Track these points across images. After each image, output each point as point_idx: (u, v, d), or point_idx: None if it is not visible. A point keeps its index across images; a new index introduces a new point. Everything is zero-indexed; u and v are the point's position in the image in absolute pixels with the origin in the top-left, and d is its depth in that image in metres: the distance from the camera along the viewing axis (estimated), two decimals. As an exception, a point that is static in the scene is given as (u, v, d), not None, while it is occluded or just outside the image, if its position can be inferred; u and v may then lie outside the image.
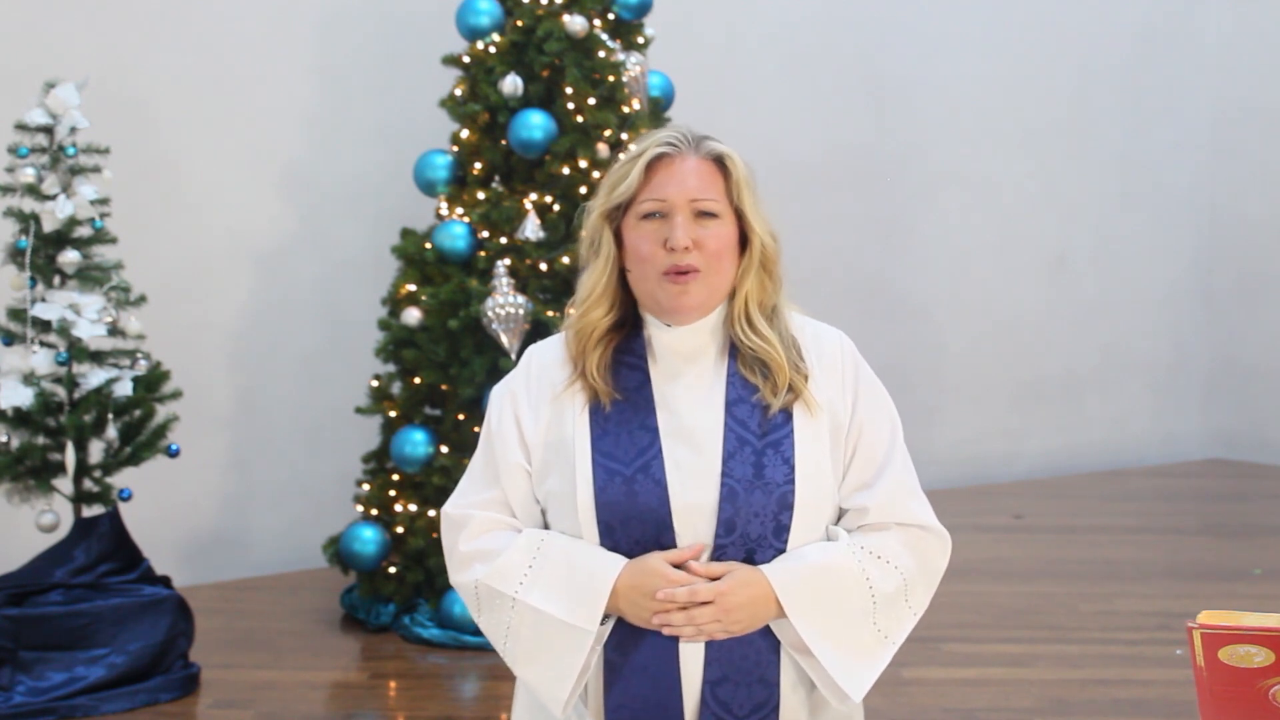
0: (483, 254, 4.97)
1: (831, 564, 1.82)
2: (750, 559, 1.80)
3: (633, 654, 1.81)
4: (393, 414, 5.14)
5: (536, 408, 1.90)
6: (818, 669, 1.82)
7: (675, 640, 1.80)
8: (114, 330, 4.39)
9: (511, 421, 1.91)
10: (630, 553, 1.80)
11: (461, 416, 4.99)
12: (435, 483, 4.91)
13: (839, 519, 1.90)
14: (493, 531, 1.89)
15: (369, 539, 4.99)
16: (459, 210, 5.08)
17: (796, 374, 1.87)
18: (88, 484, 4.38)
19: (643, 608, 1.77)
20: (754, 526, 1.80)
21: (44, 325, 4.31)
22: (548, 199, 5.00)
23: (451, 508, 1.95)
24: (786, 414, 1.85)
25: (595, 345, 1.89)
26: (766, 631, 1.81)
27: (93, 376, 4.30)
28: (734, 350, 1.90)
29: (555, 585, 1.81)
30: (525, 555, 1.85)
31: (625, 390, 1.87)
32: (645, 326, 1.92)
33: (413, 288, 5.07)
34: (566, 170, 4.98)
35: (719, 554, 1.80)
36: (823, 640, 1.80)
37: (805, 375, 1.88)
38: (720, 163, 1.88)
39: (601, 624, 1.81)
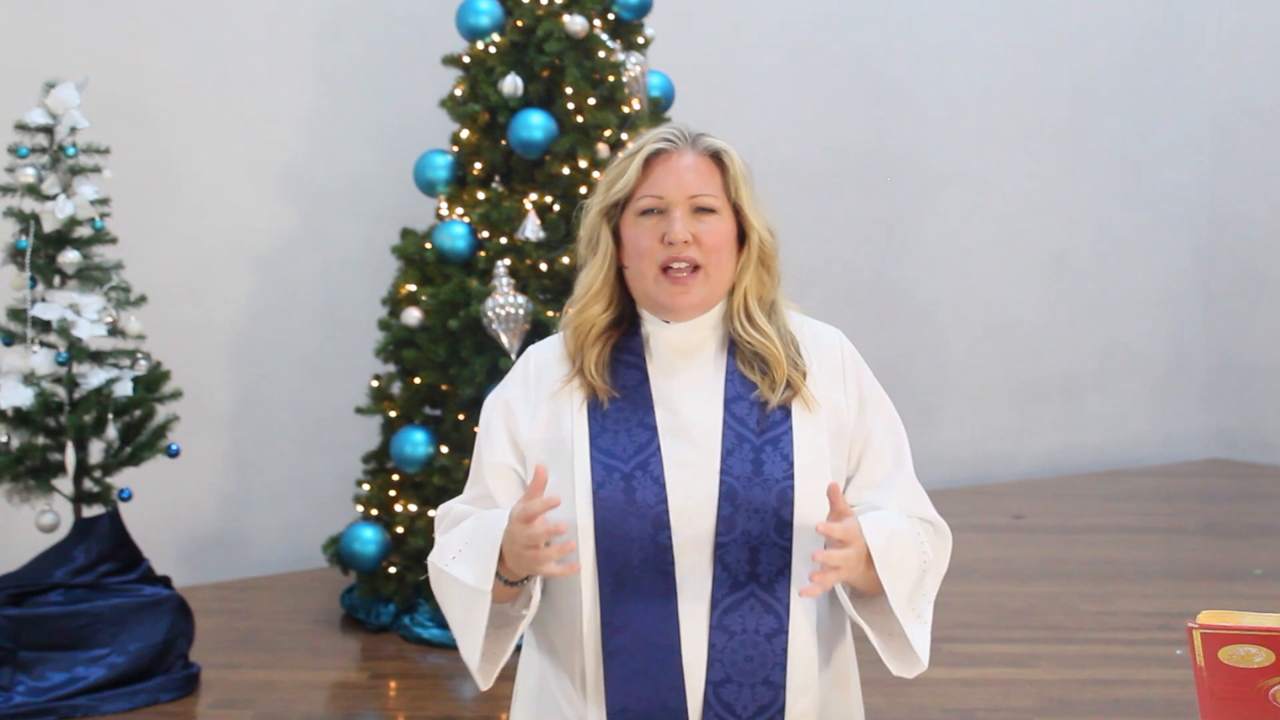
0: (483, 254, 4.97)
1: (902, 532, 1.83)
2: (754, 557, 1.80)
3: (635, 657, 1.80)
4: (393, 414, 5.14)
5: (534, 407, 1.90)
6: (889, 635, 1.82)
7: (678, 642, 1.79)
8: (114, 330, 4.39)
9: (501, 424, 1.92)
10: (625, 551, 1.80)
11: (461, 416, 4.99)
12: (435, 483, 4.91)
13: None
14: (462, 522, 1.91)
15: (369, 539, 4.99)
16: (459, 210, 5.08)
17: (795, 371, 1.87)
18: (88, 484, 4.38)
19: (523, 559, 1.74)
20: (755, 524, 1.79)
21: (44, 325, 4.31)
22: (548, 199, 5.00)
23: (442, 506, 1.98)
24: (785, 411, 1.86)
25: (593, 342, 1.89)
26: (773, 633, 1.81)
27: (93, 376, 4.30)
28: (732, 347, 1.90)
29: (473, 555, 1.82)
30: (465, 532, 1.86)
31: (623, 388, 1.87)
32: (643, 324, 1.92)
33: (413, 288, 5.07)
34: (566, 170, 4.98)
35: (721, 551, 1.79)
36: (901, 605, 1.80)
37: (804, 372, 1.88)
38: (717, 158, 1.89)
39: (515, 584, 1.81)
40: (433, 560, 1.89)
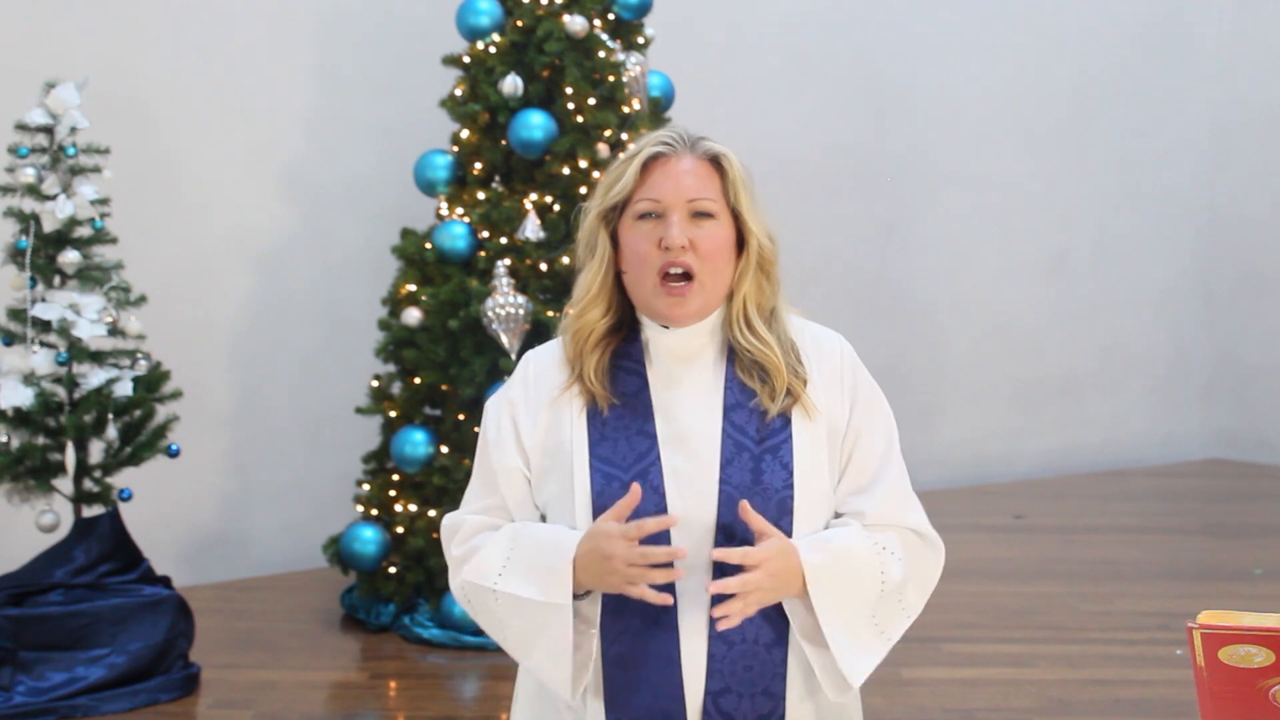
0: (483, 254, 4.97)
1: (853, 549, 1.81)
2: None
3: (634, 666, 1.79)
4: (393, 414, 5.14)
5: (535, 413, 1.89)
6: (822, 656, 1.81)
7: (677, 651, 1.78)
8: (114, 330, 4.39)
9: (509, 428, 1.90)
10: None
11: (461, 416, 4.99)
12: (435, 483, 4.91)
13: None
14: (481, 533, 1.89)
15: (369, 539, 4.99)
16: (459, 210, 5.08)
17: (795, 378, 1.86)
18: (88, 484, 4.38)
19: (603, 571, 1.74)
20: (754, 533, 1.78)
21: (44, 325, 4.31)
22: (548, 199, 5.00)
23: (448, 516, 1.95)
24: (785, 419, 1.84)
25: (593, 348, 1.88)
26: (772, 643, 1.80)
27: (93, 376, 4.30)
28: (732, 354, 1.88)
29: (529, 570, 1.80)
30: (503, 547, 1.84)
31: (623, 395, 1.86)
32: (642, 329, 1.91)
33: (413, 288, 5.07)
34: (566, 170, 4.98)
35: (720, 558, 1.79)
36: (836, 627, 1.79)
37: (804, 379, 1.86)
38: (716, 163, 1.87)
39: (580, 598, 1.79)
40: (470, 580, 1.86)
